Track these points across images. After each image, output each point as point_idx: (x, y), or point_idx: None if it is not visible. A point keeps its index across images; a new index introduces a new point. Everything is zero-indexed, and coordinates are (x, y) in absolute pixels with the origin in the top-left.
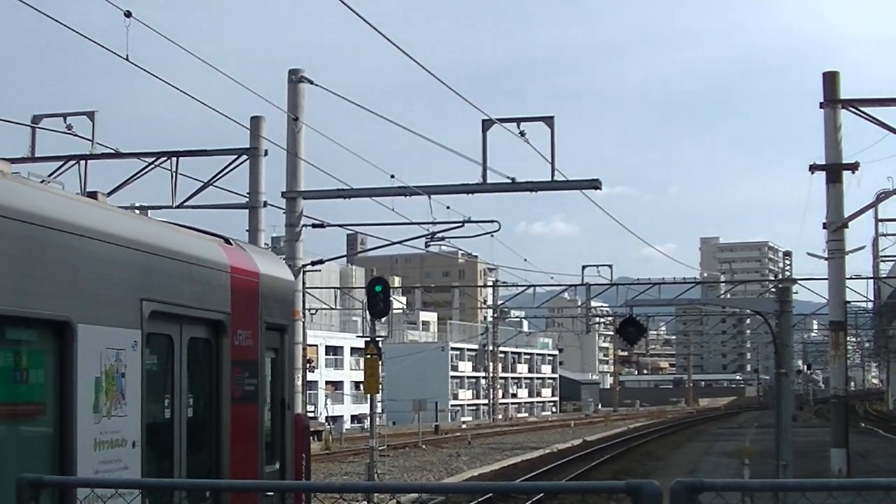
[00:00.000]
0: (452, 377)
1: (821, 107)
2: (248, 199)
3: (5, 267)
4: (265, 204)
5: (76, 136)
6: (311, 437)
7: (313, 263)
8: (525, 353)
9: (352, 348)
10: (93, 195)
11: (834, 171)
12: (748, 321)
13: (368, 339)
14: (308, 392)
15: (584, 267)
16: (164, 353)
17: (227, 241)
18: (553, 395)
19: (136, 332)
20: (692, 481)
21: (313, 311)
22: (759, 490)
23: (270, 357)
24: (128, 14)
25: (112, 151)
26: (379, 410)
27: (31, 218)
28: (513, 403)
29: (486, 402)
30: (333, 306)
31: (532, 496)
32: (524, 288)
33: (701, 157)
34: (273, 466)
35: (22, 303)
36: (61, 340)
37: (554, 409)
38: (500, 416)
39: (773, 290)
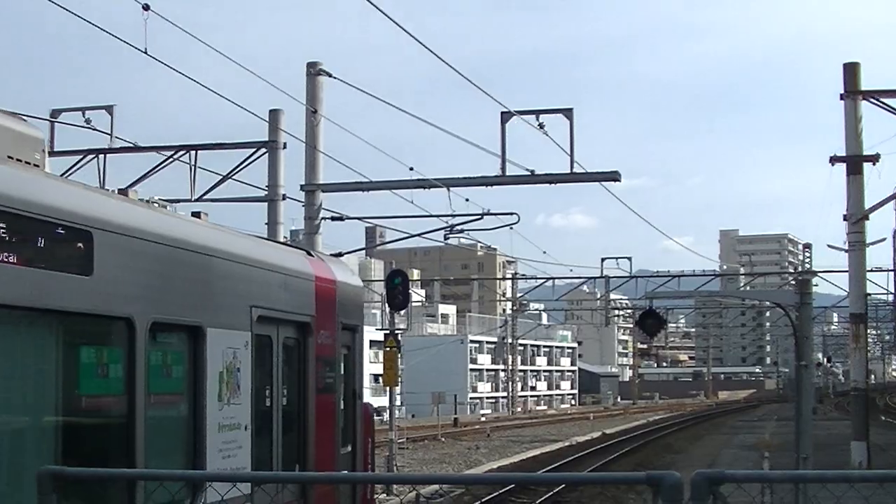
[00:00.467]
0: (471, 370)
1: (841, 98)
2: (266, 192)
3: (162, 284)
4: (284, 197)
5: (95, 130)
6: None
7: (333, 256)
8: (544, 346)
9: (371, 341)
10: (197, 215)
11: (854, 162)
12: (768, 314)
13: (388, 331)
14: None
15: (603, 259)
16: (265, 351)
17: (309, 253)
18: (572, 388)
19: (247, 334)
20: (713, 473)
21: None
22: (779, 481)
23: (344, 353)
24: (146, 7)
25: (131, 145)
26: (398, 403)
27: (176, 243)
28: (532, 396)
29: (504, 394)
30: None
31: (553, 487)
32: (543, 280)
33: (720, 150)
34: (346, 448)
35: (171, 312)
36: (195, 342)
37: (573, 402)
38: (518, 409)
39: (792, 282)
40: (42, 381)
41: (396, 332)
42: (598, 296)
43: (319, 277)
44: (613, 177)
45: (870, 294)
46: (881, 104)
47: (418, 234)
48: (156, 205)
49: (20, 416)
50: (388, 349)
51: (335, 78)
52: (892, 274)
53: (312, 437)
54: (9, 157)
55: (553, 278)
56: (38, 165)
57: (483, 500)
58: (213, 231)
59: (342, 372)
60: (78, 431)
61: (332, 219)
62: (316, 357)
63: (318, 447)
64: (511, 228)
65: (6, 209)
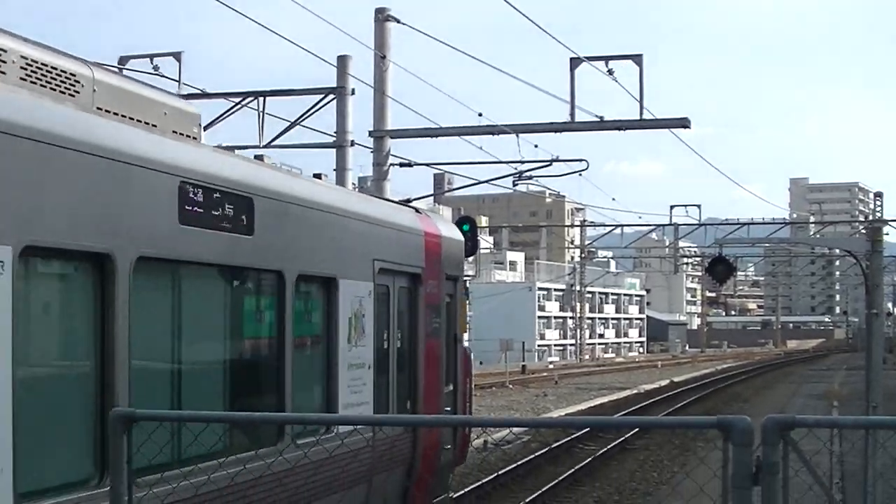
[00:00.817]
0: (539, 317)
1: None
2: (335, 139)
3: (304, 242)
4: (352, 143)
5: (163, 76)
6: None
7: (401, 203)
8: (612, 294)
9: None
10: (318, 176)
11: None
12: (837, 263)
13: None
14: None
15: (672, 207)
16: (384, 299)
17: (417, 210)
18: (640, 336)
19: (370, 284)
20: (784, 417)
21: None
22: (851, 427)
23: (447, 301)
24: None
25: (199, 92)
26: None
27: (315, 206)
28: (599, 344)
29: (572, 342)
30: None
31: (622, 434)
32: (612, 228)
33: (791, 97)
34: (448, 387)
35: (313, 266)
36: (330, 291)
37: (641, 350)
38: (586, 357)
39: (863, 230)
40: (218, 324)
41: (465, 279)
42: (667, 243)
43: (427, 233)
44: (683, 123)
45: None
46: None
47: (487, 181)
48: (294, 172)
49: (202, 352)
50: None
51: (403, 24)
52: None
53: (422, 376)
54: (173, 131)
55: (622, 225)
56: (195, 138)
57: (551, 446)
58: (343, 194)
59: (445, 318)
60: (241, 366)
61: (401, 165)
62: (425, 305)
63: (426, 385)
64: (580, 175)
65: (200, 183)
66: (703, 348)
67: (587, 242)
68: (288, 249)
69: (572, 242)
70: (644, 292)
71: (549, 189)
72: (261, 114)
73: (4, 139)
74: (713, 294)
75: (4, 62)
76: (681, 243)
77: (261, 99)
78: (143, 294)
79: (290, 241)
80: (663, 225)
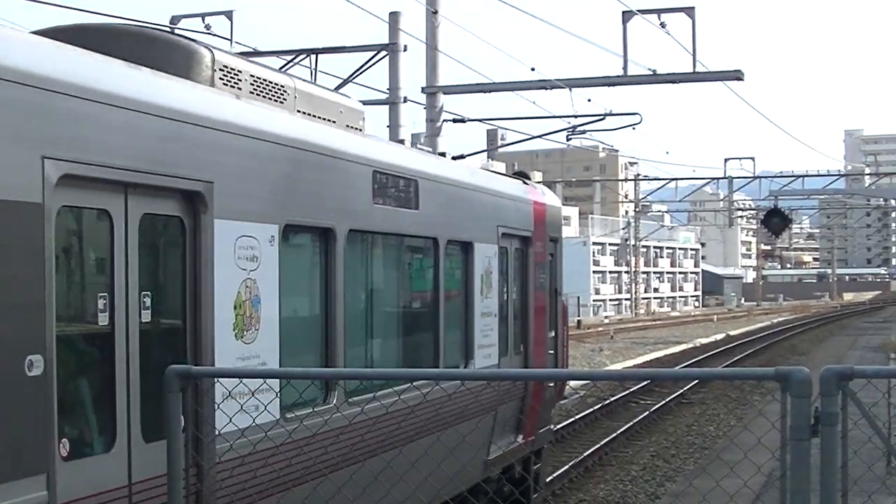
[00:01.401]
0: (594, 272)
1: None
2: (387, 96)
3: (451, 213)
4: (405, 100)
5: (215, 35)
6: None
7: (454, 159)
8: (667, 248)
9: None
10: (442, 154)
11: None
12: (893, 214)
13: None
14: None
15: (726, 160)
16: (504, 258)
17: (525, 182)
18: (695, 290)
19: (495, 247)
20: (842, 368)
21: None
22: None
23: (550, 259)
24: None
25: (251, 50)
26: None
27: (458, 184)
28: (655, 298)
29: (627, 296)
30: None
31: (678, 388)
32: (666, 181)
33: (846, 47)
34: (551, 333)
35: (457, 233)
36: (468, 253)
37: (696, 304)
38: (641, 311)
39: None
40: (398, 280)
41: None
42: (721, 196)
43: (535, 201)
44: (736, 76)
45: None
46: None
47: (540, 136)
48: (443, 156)
49: (387, 302)
50: None
51: None
52: None
53: (532, 323)
54: (346, 125)
55: (676, 179)
56: (360, 130)
57: (608, 401)
58: (475, 173)
59: (549, 274)
60: (413, 312)
61: (454, 121)
62: (534, 263)
63: (536, 331)
64: (633, 129)
65: (382, 171)
66: (758, 302)
67: (641, 196)
68: (440, 220)
69: (626, 197)
70: (699, 246)
71: (602, 143)
72: (313, 71)
73: (273, 147)
74: (768, 247)
75: (240, 81)
76: (735, 196)
77: (313, 56)
78: (351, 258)
79: (442, 213)
80: (717, 178)
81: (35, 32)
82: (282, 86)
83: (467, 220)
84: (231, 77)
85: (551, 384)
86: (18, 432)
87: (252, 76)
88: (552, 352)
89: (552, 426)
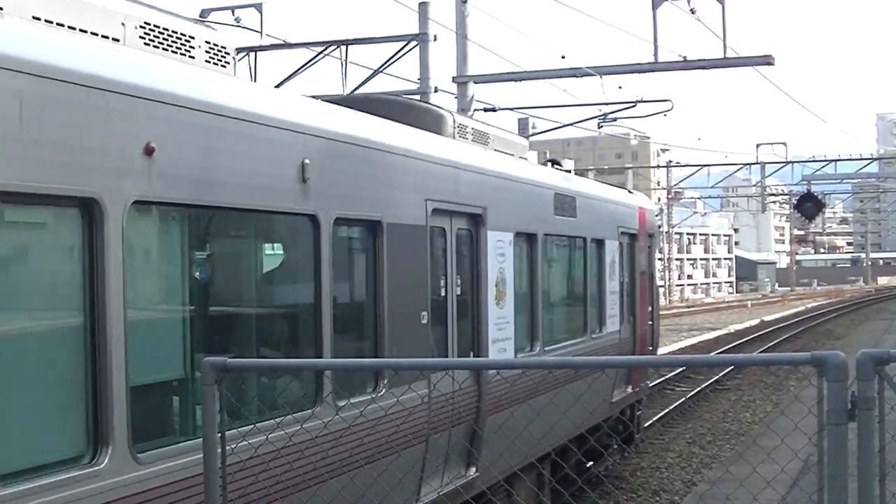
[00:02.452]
0: None
1: None
2: (418, 86)
3: (596, 220)
4: (436, 89)
5: (245, 28)
6: None
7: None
8: (700, 234)
9: None
10: (568, 171)
11: None
12: None
13: None
14: None
15: (758, 145)
16: (621, 250)
17: (630, 191)
18: (729, 276)
19: (616, 242)
20: (879, 352)
21: None
22: None
23: (647, 251)
24: None
25: (281, 42)
26: None
27: (595, 197)
28: (688, 284)
29: (661, 283)
30: None
31: (714, 374)
32: (698, 168)
33: (877, 30)
34: (649, 308)
35: (598, 234)
36: (602, 248)
37: (730, 290)
38: (675, 298)
39: None
40: (564, 268)
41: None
42: (754, 182)
43: (638, 206)
44: (767, 61)
45: None
46: None
47: (571, 124)
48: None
49: (558, 285)
50: None
51: None
52: None
53: (638, 300)
54: (520, 157)
55: (708, 165)
56: (526, 159)
57: None
58: (603, 187)
59: (647, 262)
60: (573, 292)
61: (485, 110)
62: (638, 253)
63: (640, 305)
64: (665, 116)
65: (558, 193)
66: (792, 287)
67: (673, 183)
68: (588, 224)
69: (658, 184)
70: (732, 232)
71: (634, 130)
72: (343, 62)
73: (514, 185)
74: (801, 232)
75: (467, 133)
76: (768, 182)
77: (343, 48)
78: (544, 253)
79: (588, 219)
80: (750, 164)
81: (327, 99)
82: (486, 133)
83: (601, 223)
84: (463, 132)
85: (650, 346)
86: None
87: (472, 129)
88: (650, 322)
89: (648, 382)
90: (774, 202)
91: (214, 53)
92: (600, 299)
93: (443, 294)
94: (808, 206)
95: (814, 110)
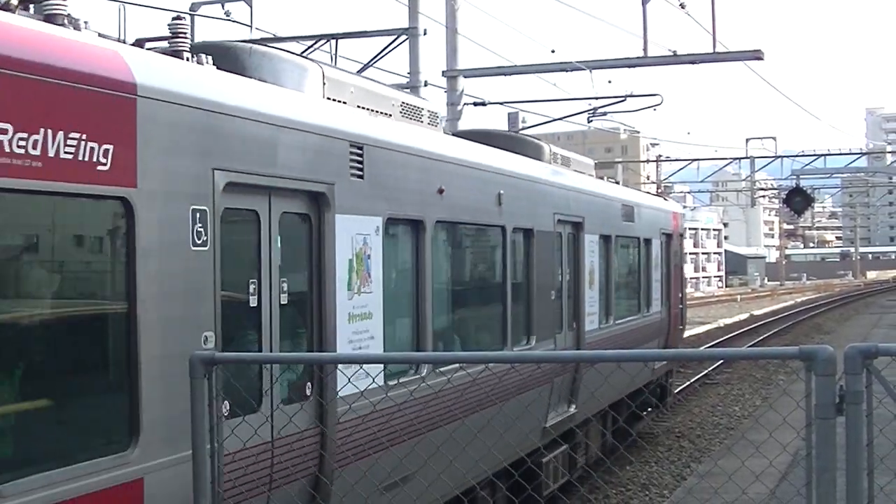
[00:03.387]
0: None
1: None
2: (408, 80)
3: (648, 224)
4: (426, 83)
5: (235, 22)
6: None
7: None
8: (689, 228)
9: None
10: (617, 182)
11: None
12: None
13: None
14: None
15: (747, 140)
16: (661, 247)
17: (664, 199)
18: (718, 270)
19: (659, 241)
20: (867, 346)
21: None
22: None
23: (679, 249)
24: None
25: (271, 36)
26: None
27: (645, 205)
28: None
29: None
30: None
31: (704, 367)
32: (687, 162)
33: (866, 25)
34: (679, 294)
35: (645, 234)
36: (649, 245)
37: (719, 284)
38: None
39: None
40: (626, 262)
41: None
42: (743, 176)
43: (672, 211)
44: (757, 55)
45: None
46: None
47: (561, 118)
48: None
49: (623, 274)
50: None
51: None
52: None
53: (673, 286)
54: (589, 174)
55: (697, 160)
56: (592, 175)
57: None
58: (648, 196)
59: (679, 256)
60: (633, 281)
61: (475, 104)
62: (673, 249)
63: (674, 292)
64: (654, 110)
65: (624, 203)
66: (782, 281)
67: (663, 178)
68: (642, 227)
69: (648, 178)
70: (721, 226)
71: (623, 125)
72: (333, 56)
73: (602, 200)
74: (791, 226)
75: (558, 159)
76: (757, 176)
77: (333, 42)
78: (616, 251)
79: (642, 223)
80: (739, 158)
81: (457, 134)
82: (568, 157)
83: (649, 226)
84: (555, 158)
85: (680, 326)
86: None
87: (560, 155)
88: (681, 306)
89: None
90: (764, 197)
91: (432, 118)
92: (648, 286)
93: (559, 278)
94: (797, 200)
95: (803, 105)
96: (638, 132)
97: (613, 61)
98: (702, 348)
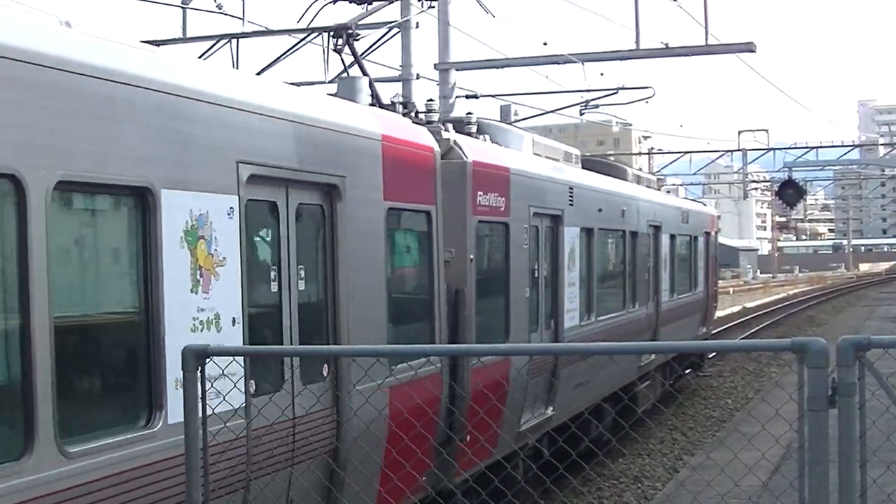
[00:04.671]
0: None
1: None
2: (400, 73)
3: (675, 220)
4: (418, 76)
5: (227, 14)
6: None
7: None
8: None
9: None
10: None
11: None
12: None
13: None
14: None
15: (740, 132)
16: (703, 243)
17: (704, 204)
18: None
19: (702, 238)
20: (859, 338)
21: None
22: None
23: (714, 244)
24: None
25: (263, 29)
26: None
27: (693, 210)
28: None
29: None
30: None
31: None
32: (680, 155)
33: (858, 17)
34: (713, 279)
35: (692, 233)
36: (695, 241)
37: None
38: None
39: None
40: (679, 254)
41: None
42: (736, 169)
43: (711, 215)
44: (749, 48)
45: None
46: None
47: (553, 111)
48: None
49: (677, 264)
50: None
51: None
52: None
53: (711, 274)
54: (649, 186)
55: (690, 152)
56: (651, 187)
57: None
58: (695, 203)
59: (715, 251)
60: (686, 270)
61: (467, 97)
62: (710, 245)
63: (711, 277)
64: (646, 103)
65: (681, 210)
66: (774, 274)
67: (655, 170)
68: (691, 227)
69: (640, 171)
70: None
71: (615, 118)
72: (326, 50)
73: (673, 210)
74: (783, 219)
75: (640, 180)
76: (749, 168)
77: (326, 35)
78: (670, 245)
79: (692, 224)
80: (732, 150)
81: (585, 162)
82: (641, 176)
83: (697, 226)
84: (636, 178)
85: (714, 303)
86: None
87: (636, 175)
88: (716, 288)
89: (710, 329)
90: (756, 189)
91: (573, 157)
92: (695, 271)
93: (649, 265)
94: (789, 192)
95: (796, 97)
96: (630, 125)
97: (605, 54)
98: (694, 341)
